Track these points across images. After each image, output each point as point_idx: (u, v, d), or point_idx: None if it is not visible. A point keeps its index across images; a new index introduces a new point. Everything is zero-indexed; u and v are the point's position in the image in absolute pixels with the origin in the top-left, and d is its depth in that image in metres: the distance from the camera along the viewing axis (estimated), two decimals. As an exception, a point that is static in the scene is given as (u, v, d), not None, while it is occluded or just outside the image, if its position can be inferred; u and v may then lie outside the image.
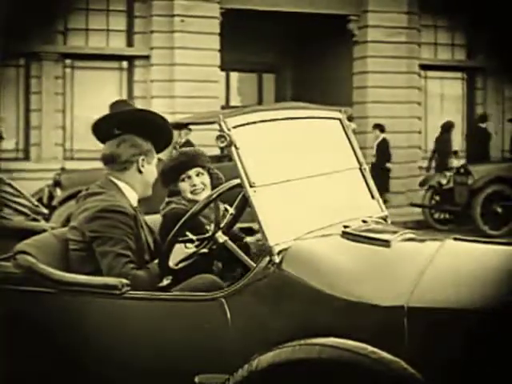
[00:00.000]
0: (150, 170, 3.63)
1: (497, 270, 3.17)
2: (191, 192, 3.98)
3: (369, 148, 14.85)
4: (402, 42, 15.72)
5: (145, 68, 14.74)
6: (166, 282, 3.44)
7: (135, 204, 3.60)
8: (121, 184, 3.58)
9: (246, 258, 3.40)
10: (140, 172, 3.59)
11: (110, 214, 3.40)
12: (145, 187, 3.64)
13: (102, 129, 3.61)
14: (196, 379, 3.04)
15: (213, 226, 3.48)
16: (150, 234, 3.61)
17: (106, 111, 3.67)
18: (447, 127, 13.92)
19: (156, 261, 3.43)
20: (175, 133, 10.52)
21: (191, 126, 12.29)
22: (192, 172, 3.98)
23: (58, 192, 11.26)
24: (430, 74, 16.69)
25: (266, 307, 3.02)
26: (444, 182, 13.12)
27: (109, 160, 3.61)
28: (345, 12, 15.73)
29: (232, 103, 17.66)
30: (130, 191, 3.59)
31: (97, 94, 14.63)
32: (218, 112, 11.95)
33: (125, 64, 14.94)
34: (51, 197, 11.33)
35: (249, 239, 3.94)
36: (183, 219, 3.34)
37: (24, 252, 3.39)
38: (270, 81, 18.42)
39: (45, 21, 13.98)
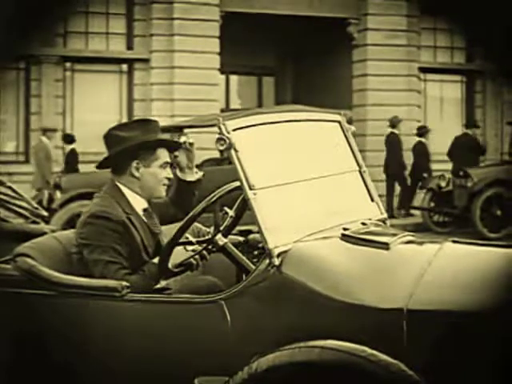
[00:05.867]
0: (149, 173, 3.57)
1: (496, 272, 3.17)
2: None
3: (368, 151, 14.86)
4: (401, 45, 15.73)
5: (144, 71, 14.75)
6: (162, 283, 3.43)
7: (142, 207, 3.58)
8: (122, 187, 3.57)
9: (245, 260, 3.41)
10: (133, 176, 3.56)
11: (97, 220, 3.41)
12: (147, 191, 3.59)
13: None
14: (196, 381, 3.05)
15: (212, 228, 3.49)
16: (151, 236, 3.59)
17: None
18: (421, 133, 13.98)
19: (154, 260, 3.43)
20: (174, 136, 10.54)
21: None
22: None
23: (58, 195, 11.28)
24: (430, 76, 16.70)
25: (266, 309, 3.03)
26: (443, 184, 13.12)
27: (107, 163, 3.63)
28: (344, 15, 15.73)
29: (232, 106, 17.66)
30: (133, 195, 3.57)
31: (97, 96, 14.64)
32: (217, 115, 11.94)
33: (125, 67, 14.95)
34: (51, 199, 11.34)
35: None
36: (183, 221, 3.34)
37: (24, 254, 3.40)
38: (269, 84, 18.43)
39: (45, 23, 13.98)
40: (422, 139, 14.06)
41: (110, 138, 3.61)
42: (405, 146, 15.58)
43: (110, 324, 3.23)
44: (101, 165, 3.65)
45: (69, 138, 13.49)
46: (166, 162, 3.62)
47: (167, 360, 3.14)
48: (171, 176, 3.64)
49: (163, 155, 3.61)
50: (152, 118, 3.81)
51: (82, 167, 13.16)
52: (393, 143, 14.00)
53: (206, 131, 11.70)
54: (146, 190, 3.59)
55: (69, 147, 13.32)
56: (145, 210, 3.61)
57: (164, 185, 3.62)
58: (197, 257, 3.41)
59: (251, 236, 3.92)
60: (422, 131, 14.15)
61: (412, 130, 15.86)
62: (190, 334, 3.12)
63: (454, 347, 2.84)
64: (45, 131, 13.12)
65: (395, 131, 13.98)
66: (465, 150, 13.46)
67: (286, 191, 3.35)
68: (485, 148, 14.15)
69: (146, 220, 3.59)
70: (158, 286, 3.41)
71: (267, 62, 17.75)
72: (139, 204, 3.59)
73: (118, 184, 3.58)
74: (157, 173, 3.59)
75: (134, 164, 3.55)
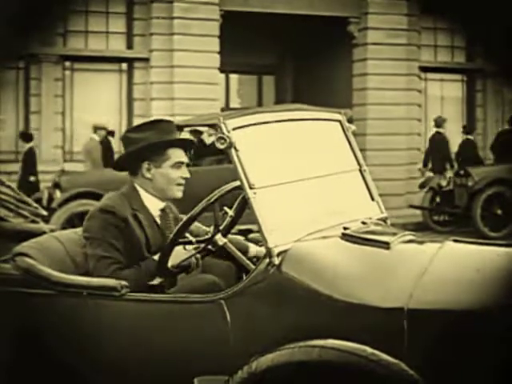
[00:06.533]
0: (161, 173, 3.57)
1: (497, 271, 3.16)
2: None
3: (368, 150, 14.86)
4: (401, 44, 15.72)
5: (144, 70, 14.75)
6: (157, 280, 3.42)
7: (158, 207, 3.59)
8: (138, 188, 3.60)
9: (245, 260, 3.40)
10: (145, 178, 3.58)
11: (101, 214, 3.45)
12: (160, 191, 3.59)
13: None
14: (195, 381, 3.04)
15: (212, 228, 3.48)
16: (160, 236, 3.57)
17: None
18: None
19: (154, 257, 3.43)
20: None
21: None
22: None
23: (58, 194, 11.27)
24: (430, 76, 16.70)
25: (266, 309, 3.02)
26: (444, 183, 13.12)
27: (122, 164, 3.68)
28: (345, 14, 15.72)
29: (232, 105, 17.66)
30: (147, 196, 3.59)
31: (96, 96, 14.64)
32: (217, 114, 11.95)
33: (124, 66, 14.95)
34: (51, 199, 11.34)
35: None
36: (183, 221, 3.34)
37: (23, 254, 3.40)
38: (269, 83, 18.43)
39: (44, 23, 13.98)
40: (470, 137, 14.04)
41: (124, 140, 3.66)
42: (405, 145, 15.63)
43: (109, 323, 3.22)
44: (116, 167, 3.72)
45: (27, 137, 12.97)
46: (180, 162, 3.59)
47: (167, 359, 3.14)
48: (187, 175, 3.61)
49: (175, 155, 3.58)
50: (166, 119, 3.80)
51: (80, 166, 13.16)
52: (439, 142, 13.95)
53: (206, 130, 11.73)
54: (158, 191, 3.59)
55: (27, 146, 12.85)
56: (162, 210, 3.62)
57: (178, 184, 3.60)
58: (193, 259, 3.41)
59: (250, 235, 3.92)
60: (470, 129, 14.15)
61: (412, 130, 15.89)
62: (190, 334, 3.11)
63: (454, 346, 2.83)
64: (96, 129, 12.96)
65: (440, 130, 13.98)
66: (510, 147, 13.41)
67: (286, 190, 3.34)
68: None
69: (159, 220, 3.61)
70: (154, 282, 3.39)
71: (267, 60, 17.74)
72: (153, 204, 3.60)
73: (135, 185, 3.61)
74: (168, 173, 3.57)
75: (145, 165, 3.57)
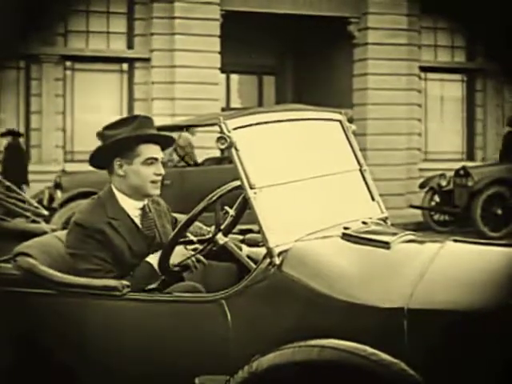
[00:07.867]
0: (132, 170, 3.48)
1: (497, 271, 3.17)
2: None
3: (369, 150, 14.86)
4: (402, 44, 15.71)
5: (145, 70, 14.74)
6: (154, 284, 3.40)
7: (136, 207, 3.53)
8: (114, 189, 3.53)
9: (246, 259, 3.41)
10: (119, 175, 3.50)
11: (77, 227, 3.40)
12: (134, 189, 3.51)
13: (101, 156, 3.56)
14: (196, 381, 3.05)
15: (213, 227, 3.48)
16: (141, 238, 3.52)
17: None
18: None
19: (147, 260, 3.42)
20: (175, 134, 10.52)
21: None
22: None
23: (59, 194, 11.28)
24: (430, 75, 16.68)
25: (267, 309, 3.03)
26: (444, 183, 13.10)
27: (97, 162, 3.59)
28: (345, 14, 15.71)
29: (232, 105, 17.65)
30: (122, 196, 3.52)
31: (97, 96, 14.63)
32: (218, 114, 11.95)
33: (125, 66, 14.94)
34: (51, 199, 11.34)
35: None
36: (184, 221, 3.34)
37: (24, 254, 3.40)
38: (270, 83, 18.41)
39: (45, 23, 13.97)
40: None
41: (100, 136, 3.59)
42: (405, 145, 15.59)
43: (110, 323, 3.23)
44: (91, 164, 3.61)
45: None
46: (151, 158, 3.49)
47: (167, 359, 3.14)
48: (161, 172, 3.52)
49: (146, 151, 3.49)
50: (142, 114, 3.71)
51: (81, 166, 13.15)
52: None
53: (206, 130, 11.74)
54: (133, 189, 3.51)
55: None
56: (142, 209, 3.56)
57: (153, 182, 3.50)
58: (194, 259, 3.41)
59: (248, 235, 3.92)
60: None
61: (412, 130, 15.87)
62: (191, 333, 3.12)
63: (454, 347, 2.84)
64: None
65: None
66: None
67: (287, 190, 3.35)
68: None
69: (139, 222, 3.54)
70: (152, 287, 3.38)
71: (268, 60, 17.73)
72: (131, 205, 3.53)
73: (112, 186, 3.54)
74: (140, 170, 3.48)
75: (117, 162, 3.49)
